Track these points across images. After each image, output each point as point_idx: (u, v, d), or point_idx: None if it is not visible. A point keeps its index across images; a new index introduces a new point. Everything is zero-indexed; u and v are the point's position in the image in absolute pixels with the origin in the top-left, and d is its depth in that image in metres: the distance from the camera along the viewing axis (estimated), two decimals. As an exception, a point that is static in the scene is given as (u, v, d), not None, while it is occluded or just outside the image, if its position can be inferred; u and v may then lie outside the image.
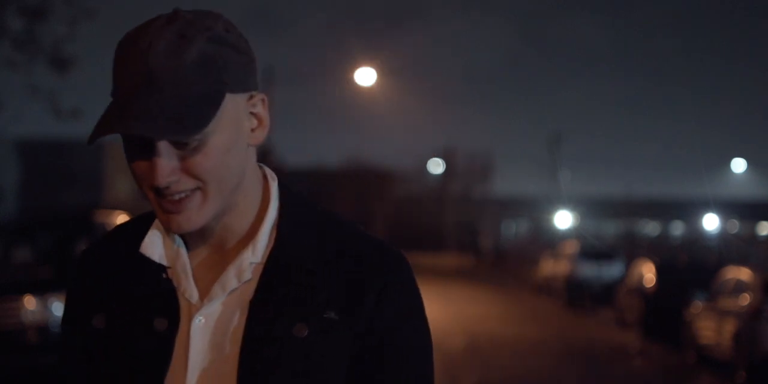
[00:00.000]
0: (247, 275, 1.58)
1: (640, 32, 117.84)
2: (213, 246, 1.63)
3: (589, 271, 28.03)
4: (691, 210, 55.14)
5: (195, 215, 1.54)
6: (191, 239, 1.64)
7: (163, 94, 1.48)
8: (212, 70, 1.51)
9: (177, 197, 1.53)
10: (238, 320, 1.57)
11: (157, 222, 1.66)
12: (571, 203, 49.14)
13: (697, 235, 55.82)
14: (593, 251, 29.47)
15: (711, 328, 14.24)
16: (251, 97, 1.58)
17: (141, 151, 1.52)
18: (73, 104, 19.62)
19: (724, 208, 53.52)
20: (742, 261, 27.21)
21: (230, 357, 1.56)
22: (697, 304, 15.28)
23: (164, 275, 1.62)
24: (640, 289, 19.58)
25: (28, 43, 18.34)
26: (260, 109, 1.60)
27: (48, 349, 10.45)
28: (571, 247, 30.07)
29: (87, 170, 47.31)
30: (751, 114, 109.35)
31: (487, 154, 73.77)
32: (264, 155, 41.63)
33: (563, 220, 47.85)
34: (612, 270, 28.01)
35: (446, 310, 24.28)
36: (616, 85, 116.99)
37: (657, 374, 14.11)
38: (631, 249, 42.45)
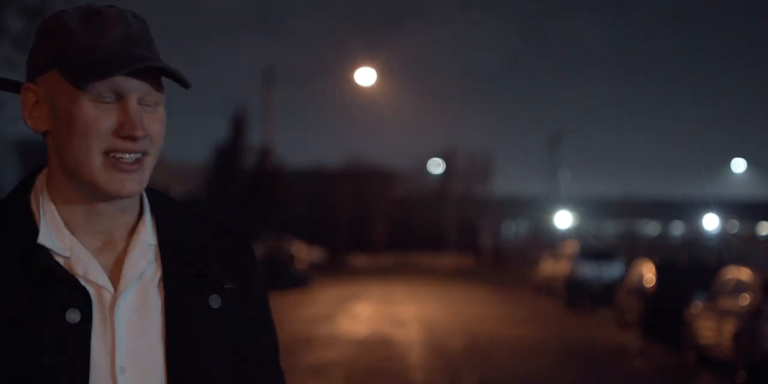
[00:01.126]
0: (151, 256, 1.64)
1: (640, 32, 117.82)
2: (102, 234, 1.62)
3: (589, 271, 28.00)
4: (691, 210, 55.11)
5: (142, 179, 1.59)
6: (78, 229, 1.61)
7: (149, 51, 1.59)
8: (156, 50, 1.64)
9: (134, 157, 1.57)
10: (156, 299, 1.62)
11: (47, 210, 1.60)
12: (571, 203, 49.12)
13: (697, 235, 55.83)
14: (593, 251, 29.43)
15: (711, 328, 14.24)
16: None
17: (108, 108, 1.55)
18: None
19: (724, 208, 53.50)
20: (742, 261, 27.16)
21: (156, 335, 1.60)
22: (697, 304, 15.28)
23: (63, 266, 1.57)
24: (640, 289, 19.57)
25: (28, 43, 18.32)
26: None
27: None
28: (571, 247, 30.05)
29: (87, 170, 47.19)
30: (751, 114, 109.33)
31: (487, 154, 73.69)
32: (264, 155, 41.58)
33: (563, 220, 47.83)
34: (612, 270, 27.99)
35: (446, 310, 24.28)
36: (616, 85, 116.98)
37: (657, 374, 14.10)
38: (631, 249, 42.46)
